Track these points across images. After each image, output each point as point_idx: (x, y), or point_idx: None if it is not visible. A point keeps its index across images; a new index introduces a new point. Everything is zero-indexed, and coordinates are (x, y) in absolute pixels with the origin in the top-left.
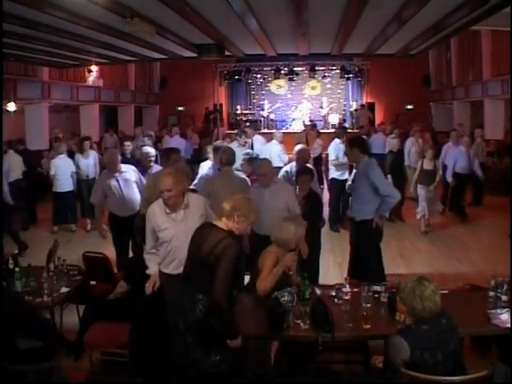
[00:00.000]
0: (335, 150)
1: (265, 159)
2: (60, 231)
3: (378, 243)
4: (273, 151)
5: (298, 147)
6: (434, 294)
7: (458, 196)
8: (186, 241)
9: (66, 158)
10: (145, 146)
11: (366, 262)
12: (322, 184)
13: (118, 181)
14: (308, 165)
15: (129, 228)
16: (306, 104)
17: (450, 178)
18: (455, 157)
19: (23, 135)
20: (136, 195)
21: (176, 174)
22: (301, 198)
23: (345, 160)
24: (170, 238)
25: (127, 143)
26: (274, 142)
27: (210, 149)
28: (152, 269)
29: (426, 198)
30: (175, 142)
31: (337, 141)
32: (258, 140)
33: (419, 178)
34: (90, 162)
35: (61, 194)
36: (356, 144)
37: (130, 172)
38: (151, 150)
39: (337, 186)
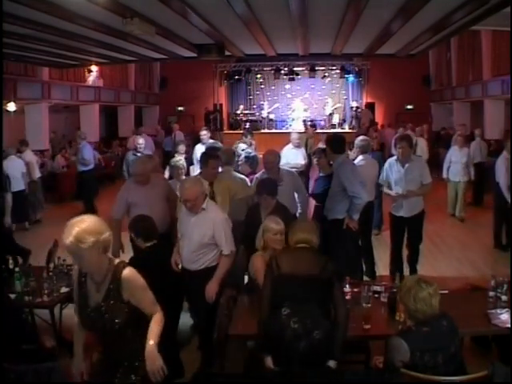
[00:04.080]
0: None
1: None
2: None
3: (351, 245)
4: (283, 159)
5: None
6: (429, 297)
7: None
8: None
9: (15, 158)
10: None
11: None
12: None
13: (146, 195)
14: (286, 168)
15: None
16: (298, 103)
17: None
18: None
19: (23, 135)
20: (165, 211)
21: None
22: (265, 216)
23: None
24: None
25: (204, 132)
26: (288, 146)
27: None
28: None
29: None
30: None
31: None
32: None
33: None
34: None
35: (14, 194)
36: (328, 143)
37: (161, 184)
38: (183, 162)
39: None
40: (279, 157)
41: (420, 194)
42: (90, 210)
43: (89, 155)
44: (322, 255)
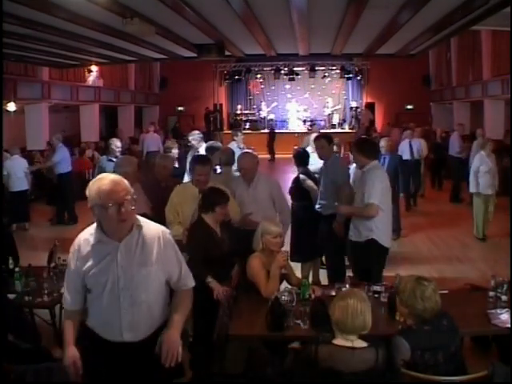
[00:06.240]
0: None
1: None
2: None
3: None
4: None
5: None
6: (434, 294)
7: None
8: None
9: (18, 158)
10: None
11: (328, 260)
12: None
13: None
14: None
15: None
16: (293, 104)
17: None
18: None
19: (23, 135)
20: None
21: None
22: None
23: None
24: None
25: (193, 136)
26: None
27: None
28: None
29: None
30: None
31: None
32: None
33: None
34: None
35: (16, 194)
36: (330, 140)
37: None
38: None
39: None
40: (257, 161)
41: (352, 213)
42: (68, 214)
43: (60, 158)
44: (366, 351)
